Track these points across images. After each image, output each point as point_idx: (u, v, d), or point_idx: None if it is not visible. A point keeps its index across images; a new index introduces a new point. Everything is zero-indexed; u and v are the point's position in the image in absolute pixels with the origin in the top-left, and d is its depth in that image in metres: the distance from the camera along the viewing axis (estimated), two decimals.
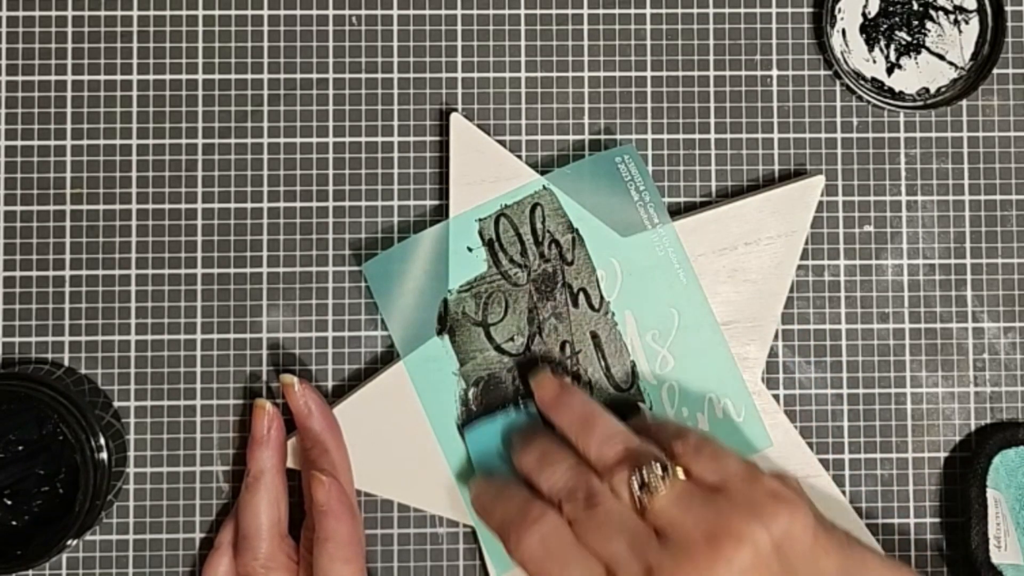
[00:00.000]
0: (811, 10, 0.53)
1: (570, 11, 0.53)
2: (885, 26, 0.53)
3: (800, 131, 0.53)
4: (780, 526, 0.42)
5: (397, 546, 0.51)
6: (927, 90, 0.53)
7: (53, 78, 0.52)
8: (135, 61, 0.52)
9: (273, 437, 0.49)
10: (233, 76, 0.52)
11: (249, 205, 0.52)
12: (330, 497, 0.47)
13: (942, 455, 0.52)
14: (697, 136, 0.53)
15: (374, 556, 0.51)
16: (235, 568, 0.48)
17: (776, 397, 0.52)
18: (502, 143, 0.51)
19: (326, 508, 0.47)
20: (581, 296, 0.51)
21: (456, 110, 0.52)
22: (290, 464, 0.50)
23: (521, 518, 0.44)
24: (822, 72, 0.53)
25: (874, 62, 0.53)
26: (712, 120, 0.53)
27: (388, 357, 0.51)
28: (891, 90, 0.52)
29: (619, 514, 0.44)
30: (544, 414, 0.49)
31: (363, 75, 0.52)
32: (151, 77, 0.52)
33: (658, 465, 0.43)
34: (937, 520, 0.52)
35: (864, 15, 0.53)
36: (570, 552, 0.43)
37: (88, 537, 0.51)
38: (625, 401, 0.51)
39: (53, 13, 0.52)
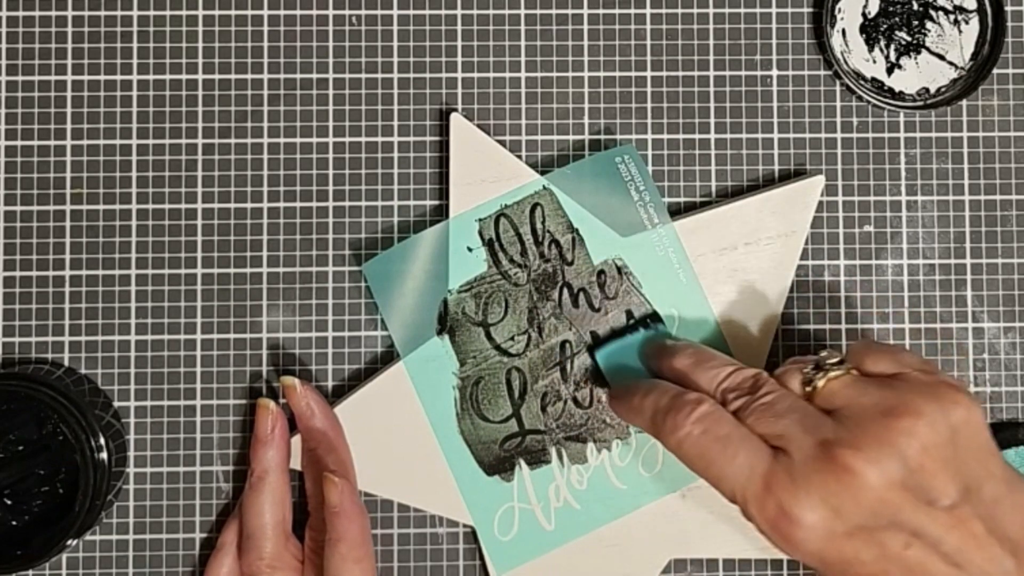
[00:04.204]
0: (811, 10, 0.53)
1: (570, 11, 0.53)
2: (885, 26, 0.53)
3: (800, 131, 0.53)
4: (959, 414, 0.41)
5: (397, 546, 0.51)
6: (927, 90, 0.53)
7: (53, 78, 0.52)
8: (135, 61, 0.52)
9: (277, 436, 0.49)
10: (233, 76, 0.52)
11: (249, 205, 0.52)
12: (343, 498, 0.47)
13: None
14: (697, 136, 0.53)
15: (374, 556, 0.51)
16: (239, 568, 0.49)
17: None
18: (502, 143, 0.51)
19: (338, 509, 0.47)
20: (581, 296, 0.51)
21: (456, 110, 0.52)
22: (293, 465, 0.50)
23: (677, 404, 0.43)
24: (822, 72, 0.53)
25: (874, 62, 0.53)
26: (712, 120, 0.53)
27: (388, 357, 0.51)
28: (891, 90, 0.52)
29: (786, 397, 0.43)
30: (684, 381, 0.46)
31: (363, 75, 0.52)
32: (151, 77, 0.52)
33: (833, 353, 0.43)
34: None
35: (864, 15, 0.53)
36: (733, 432, 0.42)
37: (88, 537, 0.51)
38: None
39: (53, 13, 0.52)
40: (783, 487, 0.41)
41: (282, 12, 0.52)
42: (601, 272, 0.51)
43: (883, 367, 0.43)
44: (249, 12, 0.52)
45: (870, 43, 0.53)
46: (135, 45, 0.52)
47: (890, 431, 0.40)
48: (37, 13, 0.52)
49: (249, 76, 0.52)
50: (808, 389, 0.43)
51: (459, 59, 0.52)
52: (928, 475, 0.40)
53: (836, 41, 0.52)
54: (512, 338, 0.51)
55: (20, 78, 0.52)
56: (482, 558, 0.51)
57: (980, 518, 0.40)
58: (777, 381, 0.44)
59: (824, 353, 0.44)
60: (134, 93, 0.52)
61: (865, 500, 0.40)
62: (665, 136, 0.52)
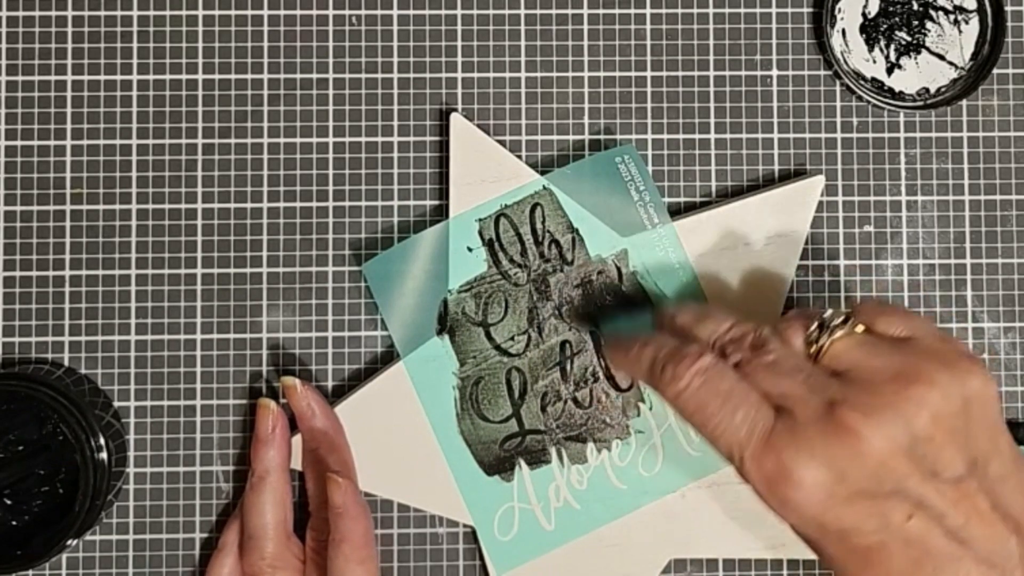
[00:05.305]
0: (811, 10, 0.53)
1: (570, 11, 0.53)
2: (885, 26, 0.53)
3: (800, 131, 0.53)
4: (974, 386, 0.40)
5: (397, 546, 0.51)
6: (927, 90, 0.53)
7: (53, 78, 0.52)
8: (135, 61, 0.52)
9: (278, 436, 0.49)
10: (233, 76, 0.52)
11: (249, 205, 0.52)
12: (346, 499, 0.47)
13: None
14: (697, 136, 0.53)
15: (377, 556, 0.51)
16: (240, 568, 0.49)
17: None
18: (502, 143, 0.51)
19: (342, 510, 0.47)
20: None
21: (456, 110, 0.52)
22: (293, 465, 0.50)
23: (678, 355, 0.42)
24: (822, 72, 0.53)
25: (874, 62, 0.53)
26: (712, 120, 0.53)
27: (388, 357, 0.51)
28: (891, 90, 0.52)
29: (792, 356, 0.41)
30: (684, 336, 0.45)
31: (363, 75, 0.52)
32: (151, 77, 0.52)
33: (839, 312, 0.42)
34: None
35: (864, 15, 0.53)
36: (735, 387, 0.41)
37: (88, 537, 0.51)
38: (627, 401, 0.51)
39: (53, 13, 0.52)
40: (785, 445, 0.39)
41: (282, 12, 0.52)
42: (601, 272, 0.51)
43: (895, 330, 0.42)
44: (249, 12, 0.52)
45: (870, 43, 0.53)
46: (135, 45, 0.52)
47: (901, 397, 0.39)
48: (37, 13, 0.52)
49: (249, 76, 0.52)
50: (812, 349, 0.42)
51: (459, 59, 0.52)
52: (936, 446, 0.39)
53: (836, 41, 0.52)
54: (512, 338, 0.51)
55: (20, 78, 0.52)
56: (482, 558, 0.51)
57: (985, 494, 0.39)
58: (779, 336, 0.43)
59: (829, 311, 0.42)
60: (134, 93, 0.52)
61: (870, 465, 0.38)
62: (665, 136, 0.52)
